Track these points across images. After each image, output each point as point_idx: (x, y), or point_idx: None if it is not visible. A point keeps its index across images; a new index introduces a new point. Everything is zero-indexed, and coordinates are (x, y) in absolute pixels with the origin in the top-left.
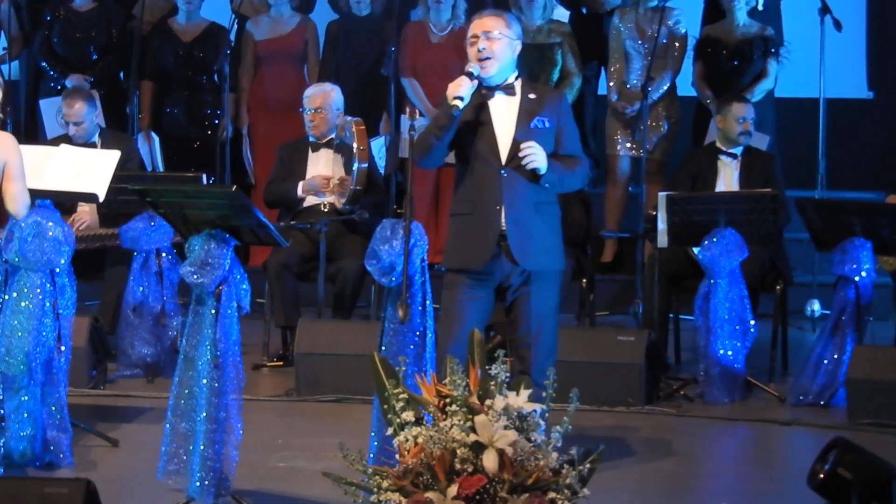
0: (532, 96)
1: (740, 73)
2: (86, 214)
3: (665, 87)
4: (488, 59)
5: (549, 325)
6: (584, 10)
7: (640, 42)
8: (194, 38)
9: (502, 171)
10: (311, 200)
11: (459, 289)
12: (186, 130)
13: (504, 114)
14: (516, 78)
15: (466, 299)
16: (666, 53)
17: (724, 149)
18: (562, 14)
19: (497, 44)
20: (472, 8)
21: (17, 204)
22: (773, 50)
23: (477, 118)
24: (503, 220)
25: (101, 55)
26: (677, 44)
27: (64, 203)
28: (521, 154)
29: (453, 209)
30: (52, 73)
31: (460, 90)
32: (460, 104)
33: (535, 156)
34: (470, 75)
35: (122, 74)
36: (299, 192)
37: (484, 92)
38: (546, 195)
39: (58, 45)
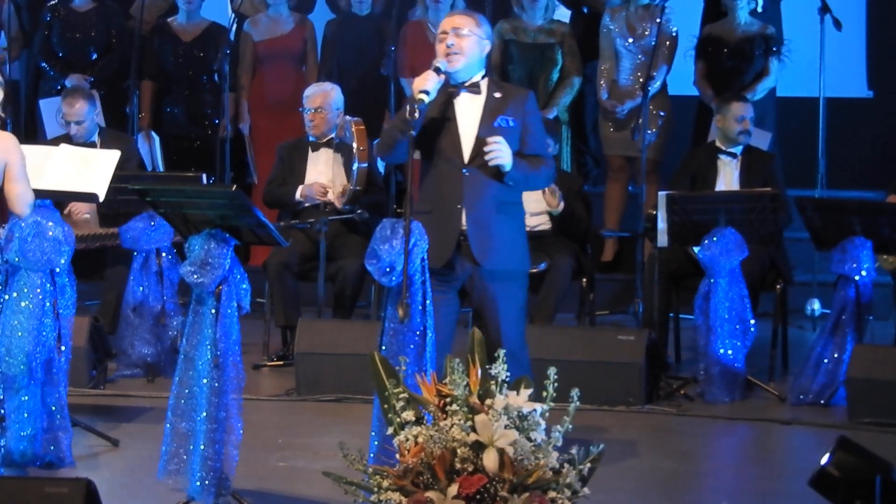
0: (497, 95)
1: (741, 72)
2: (83, 205)
3: (657, 86)
4: (456, 54)
5: (517, 327)
6: (585, 10)
7: (630, 40)
8: (194, 37)
9: (464, 171)
10: (310, 200)
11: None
12: (186, 130)
13: (468, 112)
14: (483, 77)
15: (433, 300)
16: (657, 52)
17: (723, 148)
18: (563, 14)
19: (466, 40)
20: (470, 6)
21: (21, 204)
22: (774, 48)
23: (442, 115)
24: (464, 219)
25: (100, 55)
26: (668, 42)
27: (64, 203)
28: (486, 149)
29: (415, 206)
30: (51, 73)
31: (426, 84)
32: (426, 98)
33: (500, 152)
34: (437, 70)
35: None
36: (297, 196)
37: (450, 90)
38: (509, 195)
39: (57, 45)
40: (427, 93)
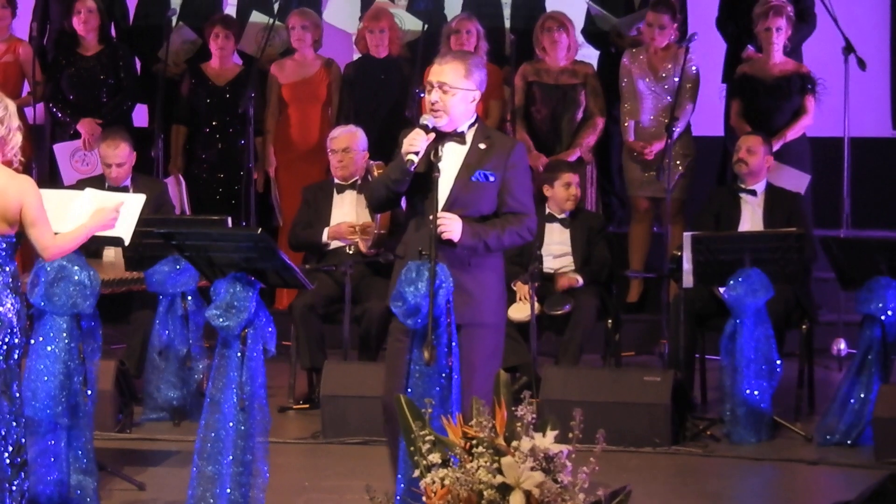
0: (482, 146)
1: (778, 111)
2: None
3: (682, 127)
4: (439, 111)
5: (479, 377)
6: (613, 50)
7: (652, 81)
8: (227, 81)
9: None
10: (336, 243)
11: (393, 335)
12: (218, 174)
13: (449, 163)
14: (471, 125)
15: (400, 346)
16: (681, 92)
17: (742, 186)
18: (587, 54)
19: (450, 97)
20: (494, 49)
21: (40, 249)
22: (808, 87)
23: (425, 165)
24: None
25: (109, 97)
26: (690, 83)
27: (89, 246)
28: (437, 223)
29: (396, 250)
30: (61, 117)
31: (416, 146)
32: (415, 159)
33: (447, 226)
34: (425, 128)
35: (144, 118)
36: (324, 238)
37: (436, 140)
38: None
39: (67, 89)
40: (417, 153)
